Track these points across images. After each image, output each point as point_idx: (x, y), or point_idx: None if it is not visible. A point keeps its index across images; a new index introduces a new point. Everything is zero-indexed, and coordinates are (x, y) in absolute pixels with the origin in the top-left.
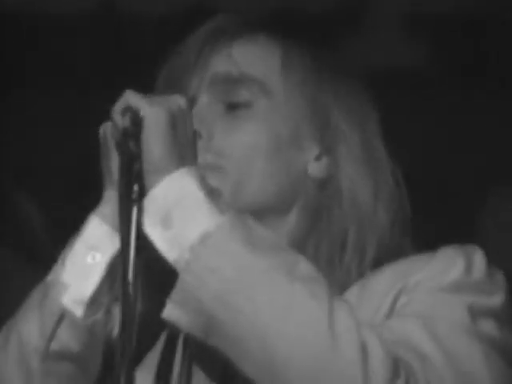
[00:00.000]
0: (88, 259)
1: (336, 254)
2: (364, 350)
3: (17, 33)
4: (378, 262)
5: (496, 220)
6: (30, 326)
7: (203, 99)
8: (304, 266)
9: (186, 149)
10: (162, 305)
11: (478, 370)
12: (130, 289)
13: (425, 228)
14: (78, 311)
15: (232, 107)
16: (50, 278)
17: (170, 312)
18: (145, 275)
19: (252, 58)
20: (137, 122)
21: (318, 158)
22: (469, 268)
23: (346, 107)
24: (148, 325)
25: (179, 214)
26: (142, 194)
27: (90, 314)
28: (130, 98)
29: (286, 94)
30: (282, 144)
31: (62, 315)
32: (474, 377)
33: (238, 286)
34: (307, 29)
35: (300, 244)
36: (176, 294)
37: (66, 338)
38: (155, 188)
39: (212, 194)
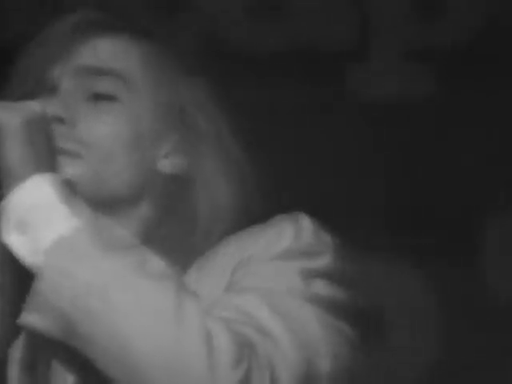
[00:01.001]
0: None
1: (186, 237)
2: (209, 340)
3: None
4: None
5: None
6: None
7: (66, 87)
8: (155, 264)
9: (42, 155)
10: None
11: (313, 334)
12: None
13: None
14: None
15: (95, 98)
16: None
17: (26, 318)
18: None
19: (116, 54)
20: None
21: (168, 155)
22: (297, 234)
23: (202, 107)
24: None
25: (34, 219)
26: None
27: None
28: None
29: (145, 91)
30: (139, 139)
31: None
32: (310, 340)
33: (92, 289)
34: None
35: (151, 229)
36: (31, 300)
37: None
38: (11, 194)
39: (68, 198)
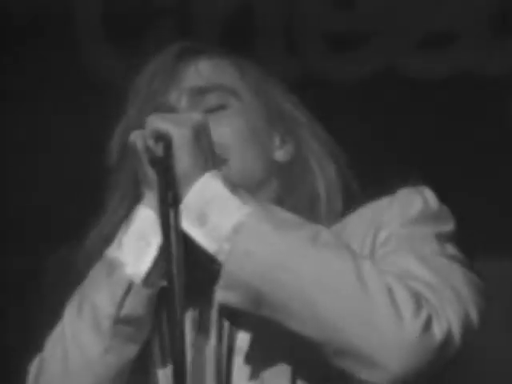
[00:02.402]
0: (142, 243)
1: (311, 207)
2: (390, 294)
3: None
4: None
5: None
6: (101, 296)
7: (184, 107)
8: (325, 234)
9: (208, 155)
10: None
11: (462, 288)
12: (174, 269)
13: None
14: (138, 284)
15: (210, 110)
16: (109, 255)
17: (222, 296)
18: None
19: (215, 71)
20: (168, 146)
21: (281, 146)
22: (425, 202)
23: (291, 101)
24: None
25: (212, 211)
26: (177, 199)
27: (147, 285)
28: (158, 123)
29: (248, 96)
30: (256, 135)
31: (129, 287)
32: (461, 292)
33: (275, 263)
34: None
35: (280, 204)
36: (223, 280)
37: (132, 306)
38: (189, 193)
39: (235, 189)
